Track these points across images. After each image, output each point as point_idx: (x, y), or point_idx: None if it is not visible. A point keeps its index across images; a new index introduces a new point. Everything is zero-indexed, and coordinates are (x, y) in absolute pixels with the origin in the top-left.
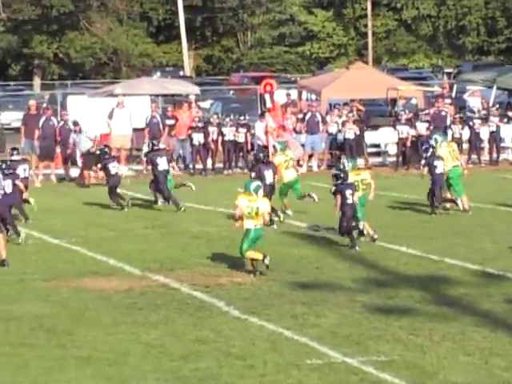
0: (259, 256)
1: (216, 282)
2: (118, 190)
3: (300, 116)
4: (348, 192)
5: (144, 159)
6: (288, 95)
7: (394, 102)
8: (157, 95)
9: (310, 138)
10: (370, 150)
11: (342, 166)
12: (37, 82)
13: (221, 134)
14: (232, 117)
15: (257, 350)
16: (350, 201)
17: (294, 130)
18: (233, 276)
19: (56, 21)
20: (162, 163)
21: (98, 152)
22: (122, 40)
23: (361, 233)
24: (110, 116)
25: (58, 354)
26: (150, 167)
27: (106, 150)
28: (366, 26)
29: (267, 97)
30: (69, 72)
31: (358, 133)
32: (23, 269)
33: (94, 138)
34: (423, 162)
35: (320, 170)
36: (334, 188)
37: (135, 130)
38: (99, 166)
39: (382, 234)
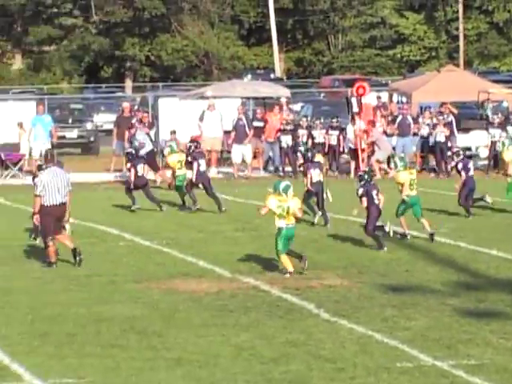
0: (290, 267)
1: (306, 284)
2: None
3: (390, 118)
4: (374, 192)
5: (188, 159)
6: (378, 98)
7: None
8: (248, 98)
9: (400, 140)
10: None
11: (393, 165)
12: (128, 84)
13: (311, 136)
14: (322, 119)
15: (347, 353)
16: (376, 201)
17: (385, 132)
18: (323, 279)
19: (148, 23)
20: (202, 165)
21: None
22: (214, 43)
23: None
24: (201, 118)
25: (148, 355)
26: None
27: (134, 152)
28: (457, 28)
29: (354, 100)
30: (160, 74)
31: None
32: (114, 270)
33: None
34: (453, 164)
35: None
36: (361, 190)
37: (226, 132)
38: (128, 165)
39: (473, 237)
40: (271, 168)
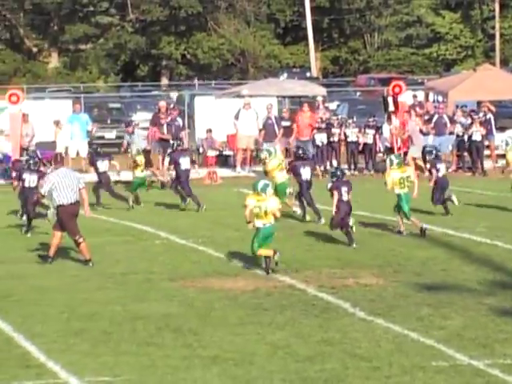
0: (270, 253)
1: (342, 283)
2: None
3: (426, 117)
4: (344, 189)
5: (167, 159)
6: (414, 97)
7: None
8: (283, 96)
9: (437, 139)
10: (497, 151)
11: (388, 163)
12: (164, 82)
13: (344, 135)
14: (355, 118)
15: (382, 352)
16: (345, 198)
17: (421, 131)
18: (359, 277)
19: (184, 22)
20: (184, 163)
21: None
22: (250, 41)
23: (348, 232)
24: (237, 117)
25: (184, 353)
26: (172, 167)
27: (99, 149)
28: (493, 27)
29: (390, 99)
30: (196, 73)
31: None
32: (150, 268)
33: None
34: (428, 164)
35: (448, 172)
36: (330, 185)
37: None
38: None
39: (510, 236)
40: None
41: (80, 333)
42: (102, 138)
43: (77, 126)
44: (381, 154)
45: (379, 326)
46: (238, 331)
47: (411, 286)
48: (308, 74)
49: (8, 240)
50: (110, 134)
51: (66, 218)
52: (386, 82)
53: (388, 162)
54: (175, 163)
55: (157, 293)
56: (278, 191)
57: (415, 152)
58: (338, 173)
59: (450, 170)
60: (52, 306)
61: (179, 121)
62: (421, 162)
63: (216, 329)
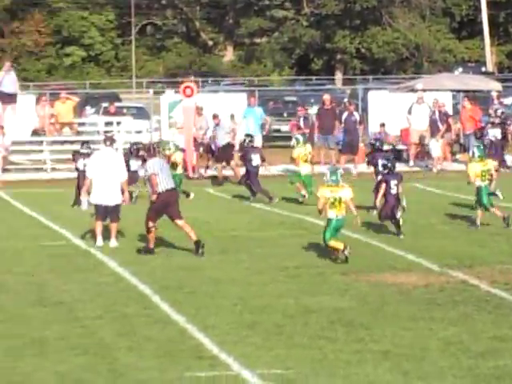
0: (340, 246)
1: None
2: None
3: None
4: (393, 182)
5: (239, 154)
6: None
7: None
8: (458, 91)
9: None
10: None
11: (471, 154)
12: (338, 76)
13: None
14: None
15: None
16: (393, 191)
17: None
18: None
19: (359, 16)
20: (256, 159)
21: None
22: (425, 35)
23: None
24: (410, 111)
25: (355, 347)
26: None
27: (252, 143)
28: None
29: None
30: (370, 67)
31: None
32: (323, 262)
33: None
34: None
35: None
36: (379, 177)
37: None
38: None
39: None
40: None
41: (252, 325)
42: (279, 131)
43: (251, 119)
44: None
45: None
46: (410, 326)
47: None
48: (483, 69)
49: (170, 231)
50: (286, 127)
51: (159, 205)
52: None
53: (470, 154)
54: (246, 159)
55: (329, 286)
56: (292, 178)
57: None
58: (389, 165)
59: None
60: (225, 298)
61: (356, 115)
62: None
63: (388, 323)
